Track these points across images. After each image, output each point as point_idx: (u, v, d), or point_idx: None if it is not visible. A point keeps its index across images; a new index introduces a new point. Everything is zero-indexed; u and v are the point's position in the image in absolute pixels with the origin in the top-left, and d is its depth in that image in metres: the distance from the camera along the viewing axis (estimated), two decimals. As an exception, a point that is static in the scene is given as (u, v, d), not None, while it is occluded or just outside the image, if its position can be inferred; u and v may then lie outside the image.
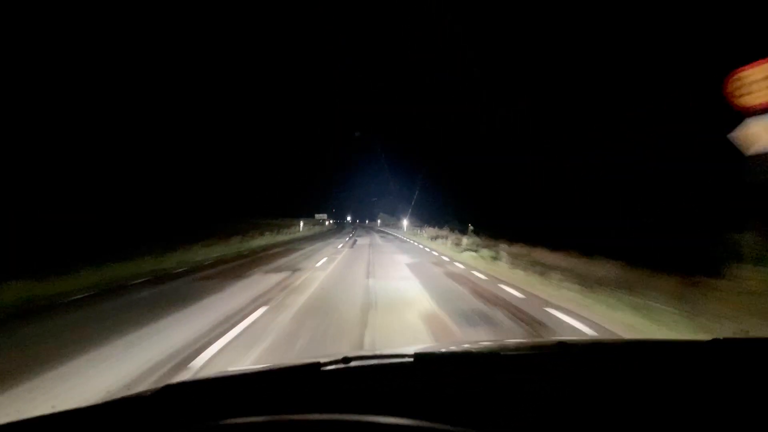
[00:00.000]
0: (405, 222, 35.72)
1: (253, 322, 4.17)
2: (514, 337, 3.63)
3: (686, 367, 0.93)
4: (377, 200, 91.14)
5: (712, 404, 0.69)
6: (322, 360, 0.94)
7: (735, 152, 3.41)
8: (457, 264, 9.71)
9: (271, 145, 65.99)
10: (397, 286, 6.40)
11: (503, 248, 10.94)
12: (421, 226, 30.89)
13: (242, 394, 0.83)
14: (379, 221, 70.95)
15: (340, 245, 17.29)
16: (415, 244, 18.80)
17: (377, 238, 24.21)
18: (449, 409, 0.70)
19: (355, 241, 21.24)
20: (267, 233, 23.98)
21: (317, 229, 41.32)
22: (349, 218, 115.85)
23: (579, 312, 4.57)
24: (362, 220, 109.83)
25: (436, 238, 20.07)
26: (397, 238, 25.40)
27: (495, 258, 10.06)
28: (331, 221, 63.73)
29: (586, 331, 3.83)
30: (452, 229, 21.02)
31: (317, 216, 49.92)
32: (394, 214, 63.89)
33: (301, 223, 33.72)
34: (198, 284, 6.87)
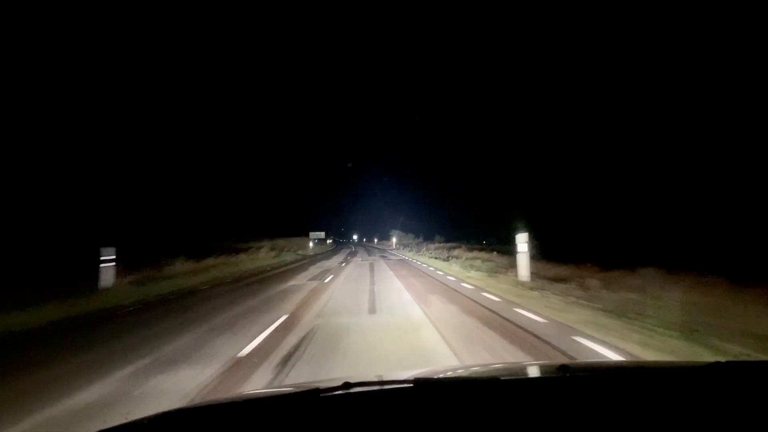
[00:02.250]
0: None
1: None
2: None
3: (686, 392, 0.90)
4: (389, 216, 75.48)
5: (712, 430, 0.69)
6: (322, 386, 0.92)
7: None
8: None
9: (272, 163, 58.88)
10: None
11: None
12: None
13: (239, 422, 0.81)
14: (393, 240, 52.64)
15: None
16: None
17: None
18: None
19: None
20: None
21: (275, 260, 21.78)
22: (355, 237, 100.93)
23: None
24: (370, 239, 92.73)
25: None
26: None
27: None
28: (329, 241, 53.05)
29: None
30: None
31: (312, 234, 41.25)
32: (411, 232, 47.45)
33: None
34: None
